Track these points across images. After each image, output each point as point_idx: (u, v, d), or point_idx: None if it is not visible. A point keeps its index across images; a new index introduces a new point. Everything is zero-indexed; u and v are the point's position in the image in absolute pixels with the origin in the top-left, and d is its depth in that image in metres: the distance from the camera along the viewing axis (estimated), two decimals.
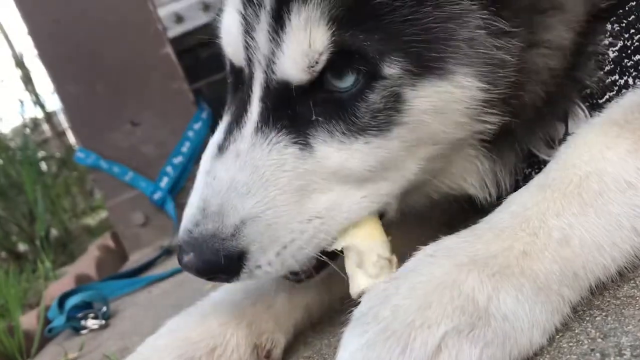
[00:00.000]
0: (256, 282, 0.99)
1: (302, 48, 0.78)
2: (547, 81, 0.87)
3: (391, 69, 0.78)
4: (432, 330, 0.63)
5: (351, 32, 0.77)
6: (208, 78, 3.13)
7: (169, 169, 2.57)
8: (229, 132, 0.85)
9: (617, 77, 0.91)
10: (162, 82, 2.59)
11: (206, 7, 2.97)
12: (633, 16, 0.91)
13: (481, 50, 0.79)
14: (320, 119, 0.82)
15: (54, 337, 1.83)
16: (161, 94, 2.60)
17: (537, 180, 0.81)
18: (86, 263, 2.68)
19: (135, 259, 2.62)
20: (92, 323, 1.75)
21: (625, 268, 0.74)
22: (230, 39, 0.87)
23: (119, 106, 2.61)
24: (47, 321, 1.83)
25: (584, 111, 0.92)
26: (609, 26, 0.92)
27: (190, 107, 2.63)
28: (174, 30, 2.98)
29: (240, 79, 0.88)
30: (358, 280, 0.83)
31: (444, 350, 0.63)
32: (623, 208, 0.73)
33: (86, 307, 1.83)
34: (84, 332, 1.75)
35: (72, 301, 1.77)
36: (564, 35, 0.86)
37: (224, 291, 1.02)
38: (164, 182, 2.57)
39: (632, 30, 0.91)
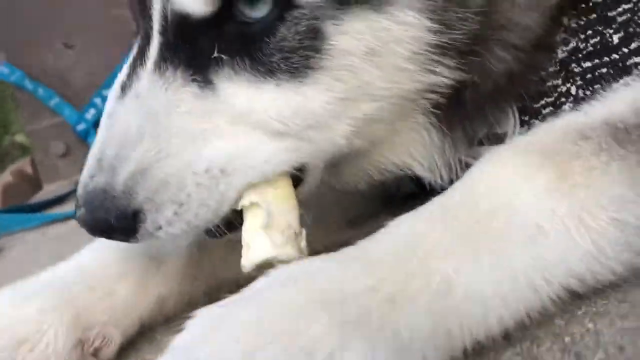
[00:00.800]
0: (115, 256, 0.86)
1: None
2: (515, 51, 0.74)
3: None
4: None
5: None
6: None
7: (97, 100, 2.35)
8: (133, 69, 0.74)
9: (559, 81, 0.77)
10: (103, 4, 2.36)
11: None
12: (595, 14, 0.76)
13: None
14: (224, 55, 0.70)
15: None
16: (101, 18, 2.37)
17: (436, 203, 0.66)
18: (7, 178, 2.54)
19: (49, 190, 2.45)
20: None
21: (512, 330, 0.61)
22: None
23: (53, 23, 2.38)
24: None
25: (513, 113, 0.78)
26: (565, 20, 0.78)
27: (130, 38, 2.39)
28: None
29: (145, 9, 0.74)
30: (260, 247, 0.68)
31: None
32: (524, 258, 0.60)
33: None
34: None
35: None
36: None
37: (69, 267, 0.87)
38: (91, 113, 2.37)
39: (589, 32, 0.77)
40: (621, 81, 0.72)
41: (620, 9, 0.76)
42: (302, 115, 0.70)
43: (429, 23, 0.67)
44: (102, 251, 0.86)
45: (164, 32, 0.71)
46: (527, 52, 0.75)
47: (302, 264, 0.62)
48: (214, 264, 0.91)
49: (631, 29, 0.76)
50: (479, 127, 0.80)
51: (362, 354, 0.52)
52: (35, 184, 2.57)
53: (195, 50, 0.71)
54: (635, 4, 0.75)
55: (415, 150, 0.79)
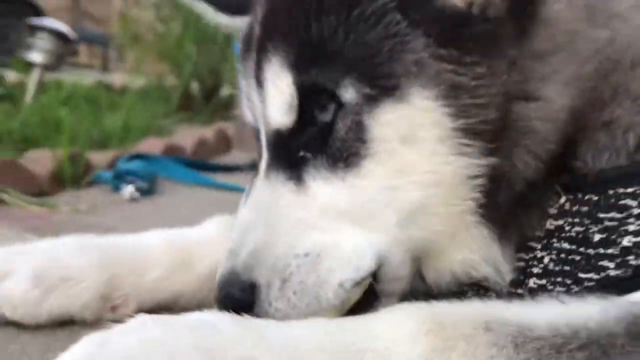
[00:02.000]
0: (159, 249, 1.07)
1: (276, 98, 0.84)
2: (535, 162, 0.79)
3: (348, 93, 0.78)
4: None
5: (307, 71, 0.80)
6: None
7: None
8: (253, 181, 0.92)
9: (539, 246, 0.82)
10: None
11: None
12: (587, 208, 0.80)
13: (431, 73, 0.76)
14: (308, 154, 0.84)
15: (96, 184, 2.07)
16: None
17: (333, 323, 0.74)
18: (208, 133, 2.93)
19: (234, 157, 2.81)
20: (128, 192, 1.92)
21: None
22: (243, 105, 0.97)
23: None
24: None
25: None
26: (563, 199, 0.81)
27: None
28: None
29: (258, 134, 0.95)
30: None
31: None
32: None
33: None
34: (125, 195, 1.92)
35: (123, 165, 2.00)
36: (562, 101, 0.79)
37: (128, 241, 1.10)
38: None
39: (577, 219, 0.80)
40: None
41: (610, 215, 0.77)
42: (359, 205, 0.81)
43: (445, 109, 0.76)
44: (155, 240, 1.10)
45: (268, 146, 0.87)
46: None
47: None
48: None
49: (613, 237, 0.76)
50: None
51: None
52: (227, 147, 2.96)
53: (289, 155, 0.85)
54: (626, 216, 0.76)
55: (476, 248, 0.83)
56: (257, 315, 0.80)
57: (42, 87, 3.83)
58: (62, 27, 3.77)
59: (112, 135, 2.80)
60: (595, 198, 0.78)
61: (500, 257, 0.83)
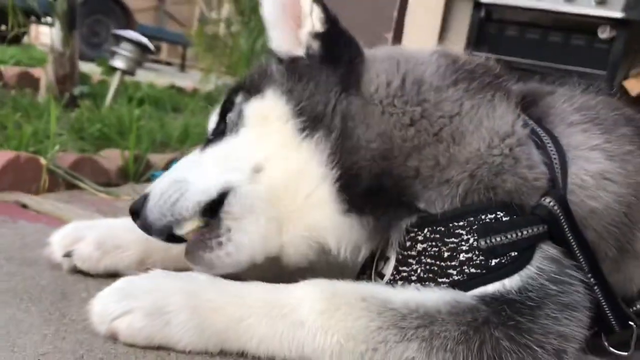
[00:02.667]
0: None
1: (212, 117, 1.36)
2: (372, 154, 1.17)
3: (238, 98, 1.30)
4: None
5: (227, 97, 1.33)
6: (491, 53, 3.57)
7: None
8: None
9: (414, 254, 1.16)
10: None
11: None
12: (435, 241, 1.15)
13: (279, 83, 1.25)
14: (213, 139, 1.31)
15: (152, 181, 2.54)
16: None
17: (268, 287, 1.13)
18: None
19: None
20: None
21: None
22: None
23: None
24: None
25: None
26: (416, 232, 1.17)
27: None
28: None
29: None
30: None
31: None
32: (286, 329, 1.06)
33: None
34: None
35: None
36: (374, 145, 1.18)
37: None
38: None
39: (432, 243, 1.15)
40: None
41: (452, 240, 1.12)
42: (227, 154, 1.25)
43: (285, 103, 1.23)
44: None
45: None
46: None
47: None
48: None
49: (454, 254, 1.11)
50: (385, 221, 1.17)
51: (185, 319, 1.05)
52: None
53: (209, 140, 1.33)
54: (460, 241, 1.11)
55: (329, 219, 1.17)
56: (143, 218, 1.23)
57: (121, 88, 4.40)
58: (142, 38, 4.31)
59: (173, 138, 3.25)
60: (443, 229, 1.14)
61: (362, 240, 1.19)
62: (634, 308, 1.27)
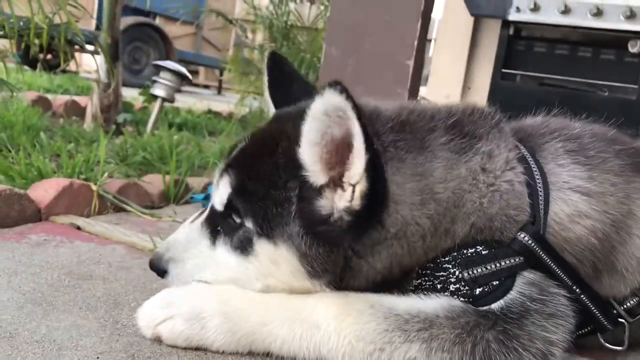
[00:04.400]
0: None
1: (219, 196, 1.33)
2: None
3: (248, 223, 1.28)
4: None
5: (235, 196, 1.29)
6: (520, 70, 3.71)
7: None
8: (198, 217, 1.43)
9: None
10: None
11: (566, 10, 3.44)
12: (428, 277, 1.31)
13: (295, 241, 1.24)
14: (222, 230, 1.34)
15: (192, 203, 2.72)
16: None
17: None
18: None
19: None
20: None
21: None
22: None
23: None
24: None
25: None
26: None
27: None
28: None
29: None
30: None
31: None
32: (305, 333, 1.21)
33: None
34: None
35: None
36: (378, 265, 1.29)
37: None
38: None
39: (426, 278, 1.31)
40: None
41: (441, 274, 1.27)
42: (237, 274, 1.32)
43: (297, 260, 1.24)
44: None
45: (209, 211, 1.38)
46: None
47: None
48: None
49: (445, 286, 1.27)
50: None
51: (218, 323, 1.22)
52: None
53: (215, 224, 1.36)
54: (448, 274, 1.26)
55: None
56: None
57: (161, 115, 4.66)
58: (180, 68, 4.58)
59: (210, 161, 3.43)
60: (432, 265, 1.29)
61: None
62: (626, 306, 1.39)
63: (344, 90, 1.08)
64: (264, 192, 1.25)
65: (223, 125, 5.44)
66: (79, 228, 2.02)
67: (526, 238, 1.27)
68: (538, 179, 1.32)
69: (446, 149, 1.29)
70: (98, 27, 3.97)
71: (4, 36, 3.17)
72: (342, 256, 1.24)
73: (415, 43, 3.07)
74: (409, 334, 1.19)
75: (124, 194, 2.35)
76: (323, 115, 1.12)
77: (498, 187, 1.29)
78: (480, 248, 1.26)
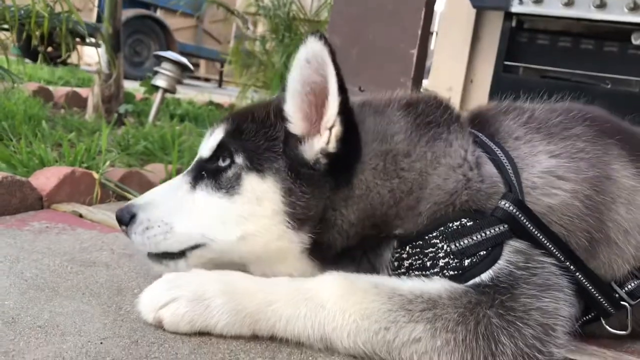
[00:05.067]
0: None
1: (209, 144, 1.43)
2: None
3: (239, 159, 1.36)
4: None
5: (228, 138, 1.38)
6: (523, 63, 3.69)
7: None
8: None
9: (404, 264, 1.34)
10: None
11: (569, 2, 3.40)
12: (417, 256, 1.33)
13: (281, 178, 1.33)
14: (205, 175, 1.40)
15: None
16: None
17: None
18: None
19: None
20: None
21: None
22: None
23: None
24: None
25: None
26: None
27: None
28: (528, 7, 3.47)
29: None
30: None
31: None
32: (310, 313, 1.21)
33: None
34: None
35: None
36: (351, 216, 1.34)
37: None
38: None
39: (415, 257, 1.33)
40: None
41: (429, 250, 1.29)
42: (216, 213, 1.37)
43: (281, 196, 1.31)
44: None
45: (196, 161, 1.44)
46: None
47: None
48: None
49: (435, 262, 1.29)
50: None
51: (221, 303, 1.21)
52: None
53: (198, 170, 1.42)
54: (436, 249, 1.28)
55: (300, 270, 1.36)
56: (128, 233, 1.40)
57: (163, 106, 4.65)
58: (182, 58, 4.56)
59: None
60: (421, 242, 1.31)
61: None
62: (627, 288, 1.39)
63: (323, 38, 1.25)
64: (256, 130, 1.37)
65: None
66: (81, 216, 2.02)
67: (507, 204, 1.29)
68: (501, 155, 1.36)
69: (404, 120, 1.39)
70: (99, 20, 3.94)
71: (5, 28, 3.16)
72: (321, 203, 1.31)
73: (419, 32, 3.05)
74: (412, 313, 1.19)
75: (126, 183, 2.34)
76: (305, 62, 1.28)
77: (458, 169, 1.34)
78: (465, 220, 1.29)
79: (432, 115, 1.40)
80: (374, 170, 1.34)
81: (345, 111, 1.29)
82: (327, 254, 1.36)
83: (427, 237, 1.31)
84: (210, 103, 6.52)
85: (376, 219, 1.35)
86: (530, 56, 3.68)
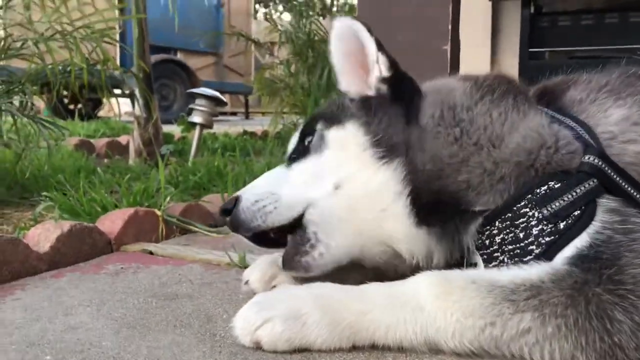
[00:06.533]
0: None
1: (296, 135, 1.59)
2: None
3: (318, 125, 1.50)
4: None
5: (306, 126, 1.55)
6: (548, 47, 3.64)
7: None
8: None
9: (496, 247, 1.30)
10: None
11: None
12: (508, 224, 1.30)
13: (356, 117, 1.46)
14: (297, 157, 1.52)
15: None
16: None
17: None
18: None
19: None
20: None
21: None
22: None
23: None
24: None
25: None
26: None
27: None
28: None
29: None
30: None
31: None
32: (409, 316, 1.17)
33: None
34: None
35: None
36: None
37: None
38: None
39: (507, 231, 1.29)
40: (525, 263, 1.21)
41: (520, 220, 1.25)
42: (312, 174, 1.47)
43: (363, 134, 1.41)
44: None
45: (291, 153, 1.58)
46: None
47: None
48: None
49: (528, 231, 1.24)
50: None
51: (318, 318, 1.17)
52: None
53: (292, 157, 1.56)
54: (527, 218, 1.25)
55: (400, 238, 1.36)
56: (234, 216, 1.45)
57: (201, 141, 4.69)
58: (215, 92, 4.61)
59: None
60: (510, 214, 1.27)
61: (432, 247, 1.36)
62: None
63: (353, 17, 1.46)
64: (329, 104, 1.60)
65: (260, 144, 5.46)
66: (151, 253, 2.02)
67: (592, 158, 1.26)
68: (568, 120, 1.38)
69: (461, 83, 1.47)
70: (124, 71, 4.00)
71: (41, 91, 3.22)
72: (400, 133, 1.39)
73: (450, 27, 3.02)
74: (517, 304, 1.13)
75: (187, 216, 2.34)
76: (339, 36, 1.48)
77: (535, 130, 1.35)
78: (552, 183, 1.26)
79: (495, 85, 1.44)
80: (432, 118, 1.39)
81: (384, 49, 1.43)
82: (420, 206, 1.35)
83: (515, 208, 1.27)
84: (245, 132, 6.57)
85: (448, 179, 1.35)
86: (555, 39, 3.62)
